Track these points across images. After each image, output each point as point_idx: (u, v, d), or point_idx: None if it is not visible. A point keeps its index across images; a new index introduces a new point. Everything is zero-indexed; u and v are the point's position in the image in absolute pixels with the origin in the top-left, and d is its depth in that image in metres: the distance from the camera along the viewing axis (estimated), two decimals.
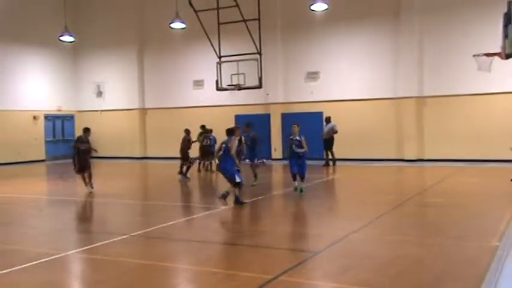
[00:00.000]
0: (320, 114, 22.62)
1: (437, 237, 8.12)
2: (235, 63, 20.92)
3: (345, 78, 22.08)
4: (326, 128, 20.16)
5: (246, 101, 23.48)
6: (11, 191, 15.12)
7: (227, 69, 21.06)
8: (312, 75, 22.90)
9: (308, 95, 22.90)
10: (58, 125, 27.43)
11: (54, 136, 27.16)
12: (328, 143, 19.99)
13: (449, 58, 20.19)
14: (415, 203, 11.56)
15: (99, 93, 27.58)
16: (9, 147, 24.16)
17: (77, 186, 15.55)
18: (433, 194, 12.84)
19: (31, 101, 25.54)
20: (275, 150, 23.53)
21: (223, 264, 6.76)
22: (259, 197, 12.48)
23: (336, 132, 19.97)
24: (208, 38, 20.97)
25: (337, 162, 20.15)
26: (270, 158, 23.38)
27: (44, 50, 26.12)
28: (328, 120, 20.33)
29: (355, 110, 21.47)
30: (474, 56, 17.41)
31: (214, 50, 21.20)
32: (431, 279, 5.96)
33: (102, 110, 27.40)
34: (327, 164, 19.95)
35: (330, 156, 20.05)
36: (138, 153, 26.35)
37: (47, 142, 26.55)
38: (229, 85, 21.11)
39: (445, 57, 20.28)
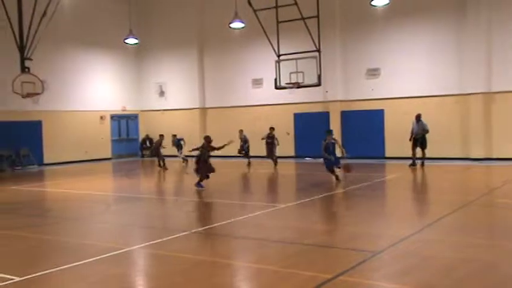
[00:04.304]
0: (381, 111, 22.18)
1: (506, 239, 7.76)
2: (294, 61, 20.87)
3: (407, 74, 21.49)
4: (417, 127, 18.34)
5: (305, 99, 23.38)
6: (80, 188, 15.85)
7: (286, 67, 21.05)
8: (373, 72, 22.46)
9: (368, 92, 22.49)
10: (123, 124, 28.45)
11: (119, 135, 28.21)
12: (420, 141, 18.25)
13: None
14: (483, 204, 11.08)
15: (162, 93, 28.35)
16: (78, 146, 25.33)
17: (141, 184, 16.08)
18: (502, 195, 12.25)
19: (98, 102, 26.65)
20: None
21: (283, 262, 6.77)
22: (319, 196, 12.40)
23: (427, 131, 18.25)
24: (267, 36, 21.05)
25: (402, 161, 19.58)
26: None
27: (110, 52, 27.16)
28: (418, 118, 18.44)
29: (418, 107, 20.80)
30: None
31: (273, 48, 21.25)
32: (499, 284, 5.71)
33: (164, 110, 28.15)
34: (414, 164, 18.28)
35: (420, 155, 18.34)
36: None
37: (112, 141, 27.61)
38: (288, 83, 21.09)
39: None
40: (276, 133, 20.93)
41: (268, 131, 20.84)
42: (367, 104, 22.50)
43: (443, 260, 6.68)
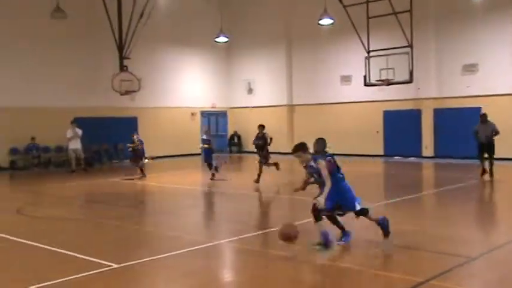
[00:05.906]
0: (477, 109, 20.92)
1: None
2: (384, 57, 20.39)
3: (508, 69, 20.12)
4: (486, 130, 15.03)
5: (395, 96, 22.64)
6: (172, 182, 16.51)
7: (376, 64, 20.62)
8: (469, 68, 21.27)
9: (464, 89, 21.33)
10: (213, 120, 29.26)
11: None
12: (488, 147, 15.00)
13: None
14: None
15: (250, 90, 28.78)
16: (170, 141, 26.40)
17: (229, 179, 16.43)
18: None
19: (189, 99, 27.62)
20: (426, 147, 22.38)
21: (369, 262, 6.62)
22: (409, 196, 11.98)
23: (497, 133, 14.97)
24: (356, 32, 20.68)
25: (497, 162, 18.09)
26: (420, 155, 22.27)
27: (201, 50, 28.00)
28: (485, 118, 15.33)
29: None
30: None
31: (363, 44, 20.83)
32: None
33: (252, 107, 28.56)
34: (484, 173, 14.92)
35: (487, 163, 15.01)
36: (285, 149, 26.94)
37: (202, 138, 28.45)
38: (377, 80, 20.63)
39: None
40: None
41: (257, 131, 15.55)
42: (462, 102, 21.36)
43: None
